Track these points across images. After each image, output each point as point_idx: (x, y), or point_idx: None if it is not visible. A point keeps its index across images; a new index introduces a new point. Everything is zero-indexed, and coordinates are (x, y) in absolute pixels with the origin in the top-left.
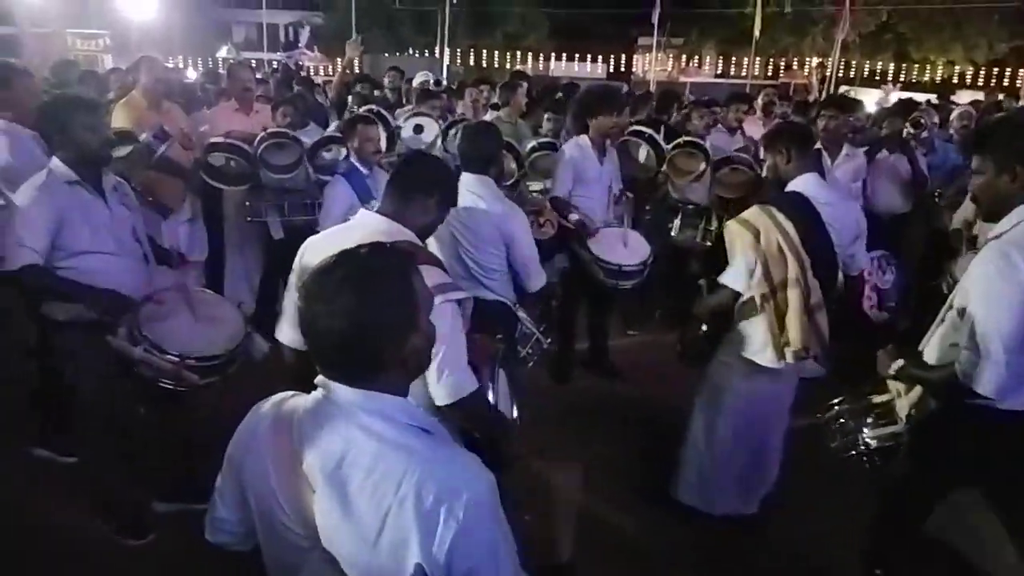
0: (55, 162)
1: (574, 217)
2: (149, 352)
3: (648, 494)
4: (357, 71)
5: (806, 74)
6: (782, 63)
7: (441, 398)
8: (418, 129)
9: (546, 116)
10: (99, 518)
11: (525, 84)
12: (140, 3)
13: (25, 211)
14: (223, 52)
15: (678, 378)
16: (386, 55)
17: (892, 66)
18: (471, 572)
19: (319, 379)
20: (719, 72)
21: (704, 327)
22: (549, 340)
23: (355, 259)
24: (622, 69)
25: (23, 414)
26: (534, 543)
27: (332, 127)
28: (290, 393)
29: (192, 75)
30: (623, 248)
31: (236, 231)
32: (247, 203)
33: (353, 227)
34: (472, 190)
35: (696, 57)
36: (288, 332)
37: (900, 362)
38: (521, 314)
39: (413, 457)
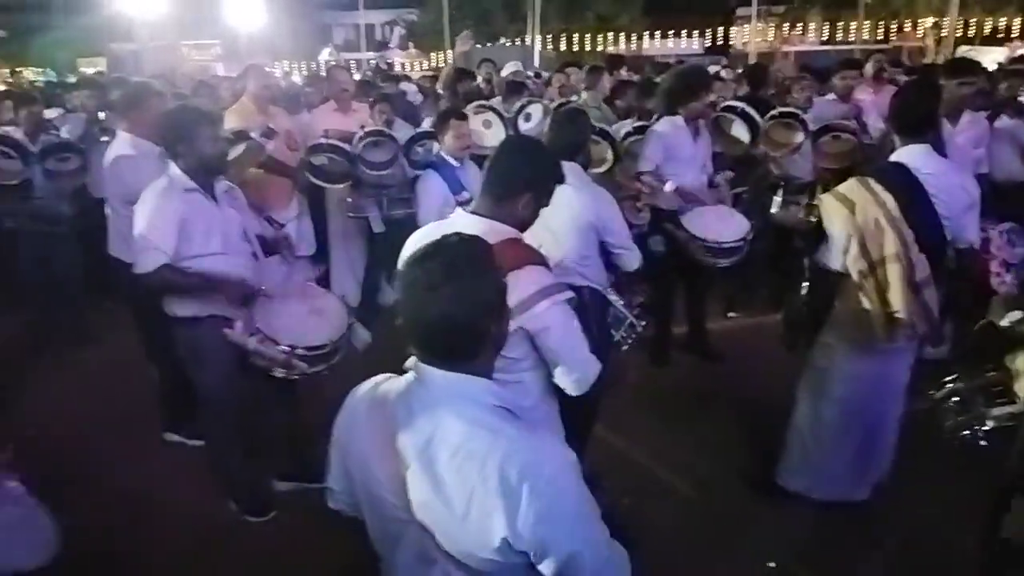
0: (173, 170)
1: (669, 185)
2: (262, 343)
3: (751, 479)
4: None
5: (920, 35)
6: (893, 25)
7: (573, 390)
8: (527, 117)
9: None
10: (225, 498)
11: (624, 69)
12: (248, 13)
13: (151, 216)
14: (324, 55)
15: (781, 360)
16: (478, 46)
17: (1018, 21)
18: (559, 547)
19: (410, 363)
20: (825, 39)
21: (806, 307)
22: (644, 324)
23: (451, 248)
24: (719, 43)
25: (154, 402)
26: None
27: (426, 123)
28: (384, 376)
29: (297, 79)
30: (721, 225)
31: (339, 227)
32: (348, 200)
33: (449, 227)
34: None
35: (799, 24)
36: None
37: (1017, 314)
38: (613, 298)
39: (497, 437)
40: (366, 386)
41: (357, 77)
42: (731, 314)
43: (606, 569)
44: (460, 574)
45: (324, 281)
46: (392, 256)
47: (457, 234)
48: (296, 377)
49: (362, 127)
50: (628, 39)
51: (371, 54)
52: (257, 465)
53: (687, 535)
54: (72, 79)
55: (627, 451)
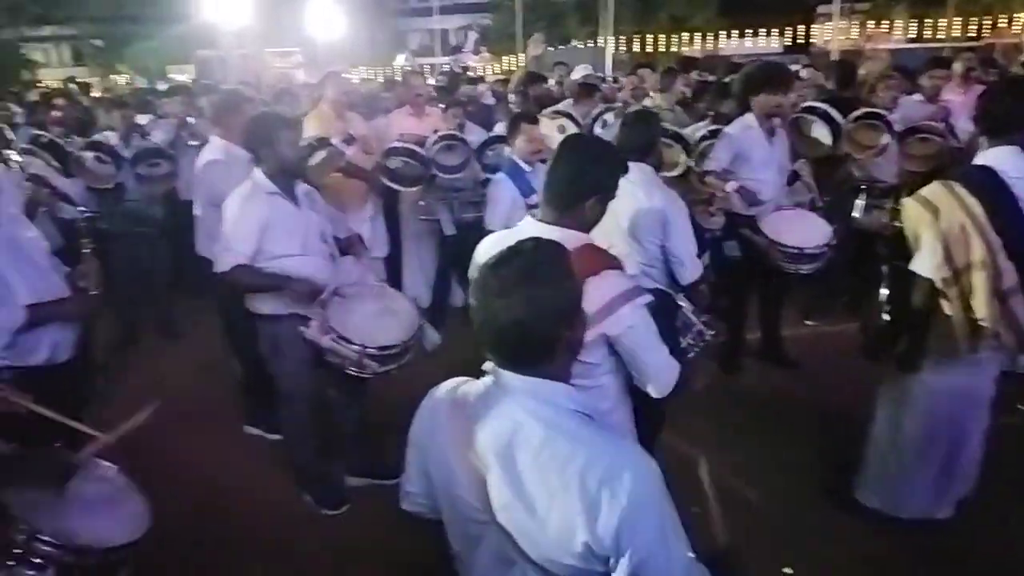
0: (257, 174)
1: (731, 186)
2: (336, 342)
3: (826, 495)
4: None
5: (1016, 32)
6: (987, 21)
7: (655, 394)
8: (603, 123)
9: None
10: (301, 490)
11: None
12: (327, 21)
13: (233, 219)
14: (400, 60)
15: (860, 370)
16: (551, 49)
17: None
18: (639, 553)
19: (488, 366)
20: (912, 36)
21: (888, 316)
22: (713, 332)
23: (526, 254)
24: (800, 41)
25: (236, 396)
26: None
27: (498, 127)
28: (463, 379)
29: (373, 85)
30: (803, 230)
31: (412, 229)
32: (421, 203)
33: (521, 235)
34: (630, 179)
35: (885, 22)
36: None
37: None
38: (682, 303)
39: (577, 442)
40: (445, 388)
41: (431, 82)
42: (809, 321)
43: None
44: None
45: (395, 283)
46: (462, 259)
47: (534, 239)
48: (367, 376)
49: (435, 131)
50: (704, 39)
51: (445, 59)
52: (330, 460)
53: (756, 548)
54: (162, 86)
55: (694, 458)
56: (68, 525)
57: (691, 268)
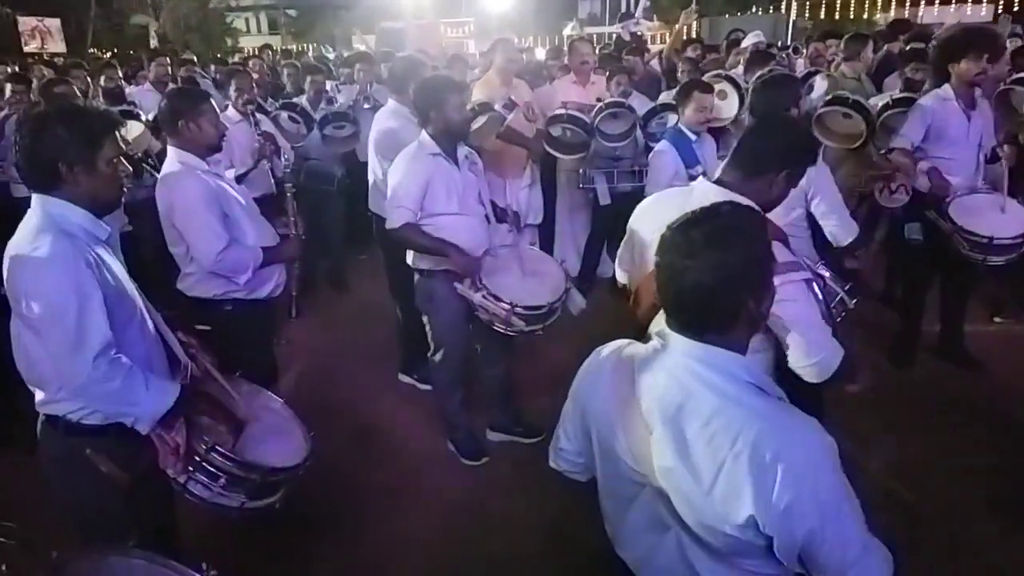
0: (423, 136)
1: (924, 165)
2: (486, 299)
3: (1000, 507)
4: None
5: None
6: None
7: (812, 377)
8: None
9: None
10: (444, 439)
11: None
12: None
13: (400, 178)
14: (568, 29)
15: None
16: (726, 16)
17: None
18: (811, 532)
19: (658, 330)
20: None
21: None
22: (856, 300)
23: (719, 215)
24: (1015, 7)
25: (394, 345)
26: None
27: (663, 95)
28: (627, 341)
29: (541, 53)
30: (997, 217)
31: (567, 197)
32: (580, 171)
33: (688, 193)
34: None
35: None
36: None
37: None
38: (823, 271)
39: (752, 414)
40: (610, 348)
41: (597, 50)
42: (998, 319)
43: (858, 567)
44: (693, 545)
45: (547, 249)
46: (615, 229)
47: (730, 203)
48: (513, 334)
49: (598, 99)
50: (900, 4)
51: (614, 27)
52: (474, 413)
53: (920, 558)
54: (346, 54)
55: (852, 455)
56: (240, 444)
57: (846, 228)
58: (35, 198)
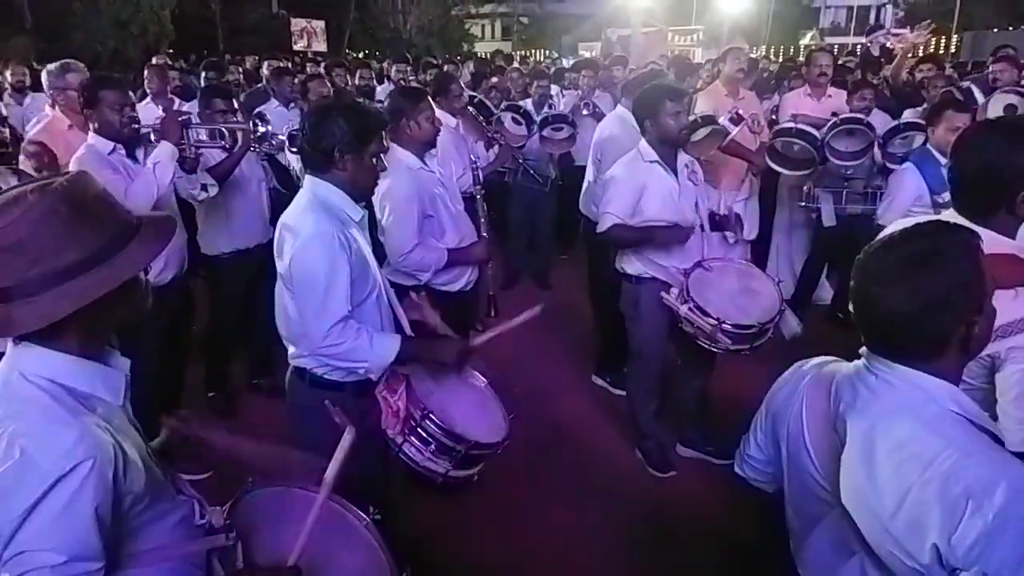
0: (642, 143)
1: None
2: (692, 311)
3: None
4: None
5: None
6: None
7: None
8: None
9: None
10: (633, 447)
11: None
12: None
13: (615, 184)
14: (806, 39)
15: None
16: (994, 30)
17: None
18: (992, 572)
19: (864, 350)
20: None
21: None
22: None
23: (920, 237)
24: None
25: (592, 346)
26: None
27: (907, 113)
28: (832, 358)
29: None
30: None
31: (787, 214)
32: (804, 188)
33: None
34: None
35: None
36: None
37: None
38: None
39: (949, 445)
40: (813, 362)
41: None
42: None
43: None
44: (877, 572)
45: (760, 267)
46: (838, 253)
47: (936, 222)
48: (717, 351)
49: (834, 113)
50: None
51: (860, 38)
52: (667, 426)
53: None
54: (571, 61)
55: None
56: (450, 415)
57: None
58: (307, 179)
